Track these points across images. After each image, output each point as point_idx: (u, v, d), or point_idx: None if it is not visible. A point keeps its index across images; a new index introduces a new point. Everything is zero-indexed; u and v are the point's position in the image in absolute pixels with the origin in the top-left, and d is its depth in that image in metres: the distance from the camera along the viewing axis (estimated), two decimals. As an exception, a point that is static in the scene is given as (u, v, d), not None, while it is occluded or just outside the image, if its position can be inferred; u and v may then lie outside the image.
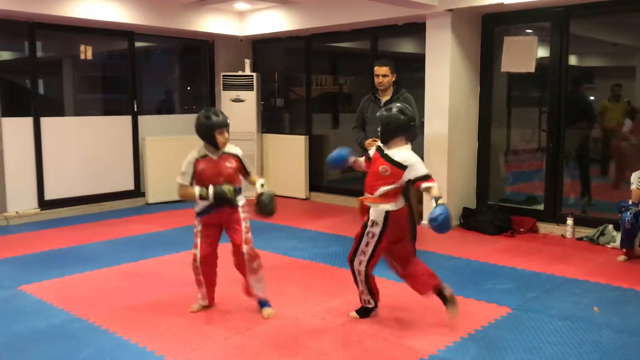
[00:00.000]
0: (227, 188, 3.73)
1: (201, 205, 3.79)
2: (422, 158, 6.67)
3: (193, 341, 3.47)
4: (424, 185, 3.50)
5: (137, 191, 7.93)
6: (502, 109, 6.99)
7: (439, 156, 6.38)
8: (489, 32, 6.54)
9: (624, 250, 5.15)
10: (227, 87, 8.34)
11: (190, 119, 8.50)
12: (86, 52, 7.89)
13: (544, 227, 6.17)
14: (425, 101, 6.44)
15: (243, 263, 3.82)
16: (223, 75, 8.37)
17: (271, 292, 4.29)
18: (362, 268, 3.64)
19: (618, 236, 5.32)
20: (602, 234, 5.66)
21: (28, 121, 6.91)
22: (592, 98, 6.69)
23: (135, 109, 7.88)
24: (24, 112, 6.91)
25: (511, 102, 7.11)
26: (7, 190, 6.75)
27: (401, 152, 3.57)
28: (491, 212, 6.30)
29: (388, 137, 3.60)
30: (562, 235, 5.98)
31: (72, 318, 3.83)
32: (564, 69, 6.02)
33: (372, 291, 3.74)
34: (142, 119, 7.95)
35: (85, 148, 7.39)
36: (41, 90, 7.37)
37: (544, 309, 3.96)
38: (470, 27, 6.45)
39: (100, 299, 4.22)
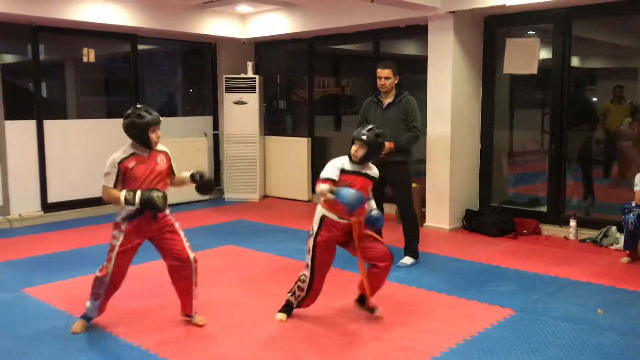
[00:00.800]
0: (156, 194, 3.43)
1: (126, 210, 3.49)
2: (424, 160, 6.74)
3: (196, 343, 3.47)
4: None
5: (140, 194, 7.93)
6: (504, 110, 6.99)
7: (441, 158, 6.38)
8: (491, 34, 6.54)
9: (628, 251, 5.14)
10: (230, 89, 8.35)
11: (194, 121, 8.63)
12: (89, 55, 7.92)
13: (547, 229, 6.17)
14: (427, 103, 6.44)
15: (191, 275, 3.64)
16: (225, 78, 8.38)
17: (274, 295, 4.29)
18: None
19: (621, 238, 5.31)
20: (605, 235, 5.65)
21: (31, 124, 6.93)
22: (594, 99, 6.68)
23: (138, 112, 7.87)
24: (27, 115, 6.92)
25: (513, 103, 7.10)
26: (11, 193, 6.77)
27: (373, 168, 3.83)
28: (494, 214, 6.30)
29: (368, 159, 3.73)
30: (565, 237, 5.97)
31: (75, 320, 3.83)
32: (566, 71, 6.01)
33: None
34: (144, 121, 7.95)
35: (88, 151, 7.40)
36: (44, 93, 7.39)
37: (547, 311, 3.96)
38: (472, 29, 6.45)
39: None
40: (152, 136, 3.55)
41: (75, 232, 6.49)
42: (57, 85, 7.91)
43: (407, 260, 5.09)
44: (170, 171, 3.71)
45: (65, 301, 4.20)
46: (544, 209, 6.33)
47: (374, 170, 3.76)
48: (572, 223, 5.89)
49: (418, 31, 6.79)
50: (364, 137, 3.62)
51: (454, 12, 6.08)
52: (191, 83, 9.38)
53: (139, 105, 3.65)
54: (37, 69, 7.01)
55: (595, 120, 6.52)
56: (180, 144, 8.03)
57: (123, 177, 3.50)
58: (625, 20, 6.25)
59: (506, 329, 3.65)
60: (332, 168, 3.65)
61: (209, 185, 3.77)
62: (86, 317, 3.67)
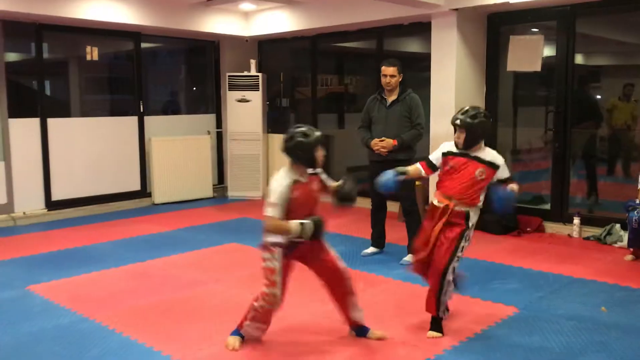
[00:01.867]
0: (321, 223, 3.22)
1: (283, 238, 3.21)
2: (427, 157, 6.72)
3: (200, 341, 3.48)
4: (511, 186, 3.47)
5: (144, 191, 7.95)
6: (508, 108, 6.97)
7: (445, 156, 6.36)
8: (495, 31, 6.52)
9: (632, 249, 5.13)
10: (233, 87, 8.35)
11: (197, 119, 8.64)
12: (92, 53, 7.93)
13: (551, 227, 6.15)
14: (431, 100, 6.43)
15: (347, 288, 3.40)
16: (229, 76, 8.38)
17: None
18: (452, 277, 3.50)
19: (625, 235, 5.30)
20: (609, 233, 5.64)
21: (35, 122, 6.94)
22: (598, 97, 6.66)
23: (142, 110, 7.90)
24: (31, 113, 6.94)
25: (517, 101, 7.08)
26: (15, 191, 6.79)
27: (487, 153, 3.51)
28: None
29: (474, 142, 3.46)
30: (569, 234, 5.96)
31: (80, 318, 3.84)
32: (570, 68, 5.99)
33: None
34: (148, 119, 7.97)
35: (91, 149, 7.42)
36: (48, 92, 7.41)
37: (551, 309, 3.95)
38: (475, 27, 6.44)
39: (107, 299, 4.23)
40: (319, 155, 3.26)
41: (79, 229, 6.51)
42: (61, 83, 7.93)
43: (410, 258, 5.05)
44: (324, 189, 3.41)
45: (69, 299, 4.21)
46: (547, 206, 6.31)
47: (489, 154, 3.50)
48: (576, 221, 5.88)
49: (421, 29, 6.77)
50: (458, 122, 3.45)
51: (457, 9, 6.07)
52: (194, 81, 9.38)
53: (299, 125, 3.33)
54: (40, 67, 7.02)
55: (599, 117, 6.50)
56: (184, 142, 8.06)
57: (288, 205, 3.17)
58: (629, 17, 6.22)
59: (510, 327, 3.65)
60: (436, 151, 3.64)
61: (350, 198, 3.36)
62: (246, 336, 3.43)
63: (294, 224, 3.13)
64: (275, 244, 3.21)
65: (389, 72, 5.00)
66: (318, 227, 3.18)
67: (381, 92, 5.16)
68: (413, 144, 5.09)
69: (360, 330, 3.49)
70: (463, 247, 3.49)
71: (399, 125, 4.98)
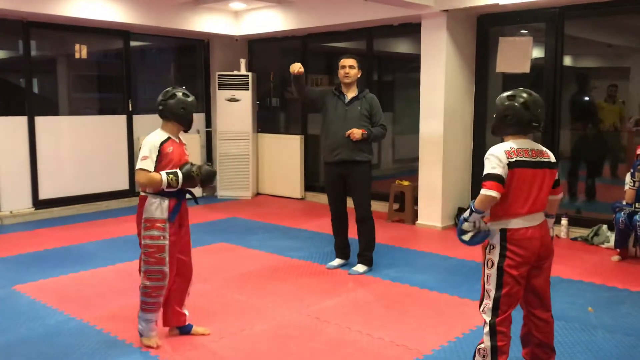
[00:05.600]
0: (191, 168, 3.27)
1: (165, 205, 3.26)
2: (417, 158, 6.74)
3: (188, 341, 3.46)
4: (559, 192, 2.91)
5: (132, 190, 7.91)
6: (497, 109, 6.98)
7: (433, 156, 6.39)
8: (484, 32, 6.56)
9: (618, 250, 5.17)
10: (223, 86, 8.33)
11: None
12: (81, 51, 7.87)
13: (539, 227, 6.18)
14: (420, 101, 6.45)
15: (190, 278, 3.48)
16: (218, 75, 8.36)
17: (266, 293, 4.30)
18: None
19: (612, 236, 5.34)
20: (596, 234, 5.69)
21: (22, 120, 6.88)
22: (586, 98, 6.70)
23: (130, 108, 7.85)
24: (18, 111, 6.88)
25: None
26: (2, 190, 6.72)
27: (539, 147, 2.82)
28: (486, 212, 6.30)
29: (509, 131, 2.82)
30: (557, 235, 5.99)
31: (67, 318, 3.82)
32: (559, 70, 6.04)
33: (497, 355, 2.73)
34: (137, 118, 7.93)
35: (80, 147, 7.37)
36: (36, 90, 7.34)
37: (538, 309, 3.97)
38: (465, 28, 6.46)
39: (95, 299, 4.21)
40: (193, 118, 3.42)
41: (67, 229, 6.46)
42: (49, 81, 7.87)
43: (360, 267, 4.80)
44: None
45: (56, 298, 4.18)
46: (535, 207, 6.34)
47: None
48: (564, 222, 5.92)
49: (411, 29, 6.80)
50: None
51: (447, 10, 6.09)
52: (184, 80, 9.34)
53: (175, 86, 3.45)
54: (28, 65, 6.95)
55: (587, 119, 6.55)
56: (173, 141, 8.00)
57: (160, 161, 3.23)
58: (618, 19, 6.28)
59: (498, 327, 3.65)
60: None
61: (209, 177, 3.44)
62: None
63: (164, 173, 3.18)
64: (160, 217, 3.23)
65: (348, 63, 4.69)
66: (210, 172, 3.29)
67: (338, 87, 4.81)
68: (378, 139, 4.89)
69: (184, 328, 3.50)
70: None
71: (358, 126, 4.64)
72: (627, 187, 5.11)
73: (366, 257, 4.83)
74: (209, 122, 8.82)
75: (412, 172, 7.00)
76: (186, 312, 3.50)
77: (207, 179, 3.36)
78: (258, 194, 8.67)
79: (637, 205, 5.05)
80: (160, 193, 3.23)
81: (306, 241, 5.88)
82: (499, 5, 5.81)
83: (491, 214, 2.75)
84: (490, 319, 2.74)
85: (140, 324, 3.36)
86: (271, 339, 3.51)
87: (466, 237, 2.80)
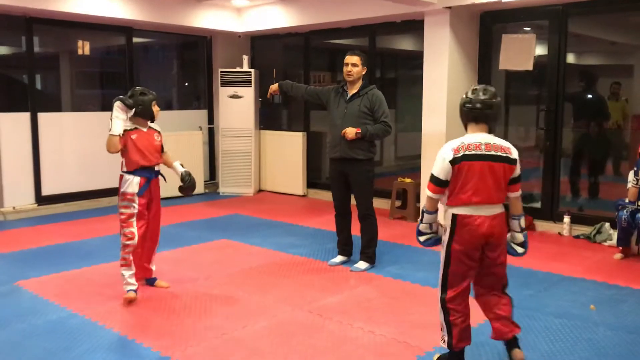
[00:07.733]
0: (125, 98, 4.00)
1: (135, 181, 3.99)
2: (419, 155, 6.73)
3: (190, 337, 3.47)
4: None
5: (135, 187, 7.91)
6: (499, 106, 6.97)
7: (436, 153, 6.35)
8: (487, 29, 6.54)
9: (621, 248, 5.16)
10: (225, 83, 8.33)
11: (189, 115, 8.61)
12: (84, 48, 7.88)
13: (541, 225, 6.18)
14: (423, 98, 6.44)
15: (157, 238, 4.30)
16: (221, 72, 8.35)
17: (268, 289, 4.31)
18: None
19: (615, 234, 5.33)
20: (598, 232, 5.68)
21: (25, 117, 6.89)
22: (590, 96, 6.68)
23: (133, 105, 7.85)
24: (21, 107, 6.89)
25: (509, 100, 7.10)
26: (4, 186, 6.74)
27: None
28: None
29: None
30: (559, 233, 5.99)
31: (69, 314, 3.83)
32: (562, 67, 6.03)
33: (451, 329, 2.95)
34: (139, 114, 7.92)
35: (82, 144, 7.37)
36: (38, 86, 7.36)
37: (540, 307, 3.97)
38: (468, 25, 6.45)
39: (97, 295, 4.21)
40: (155, 109, 4.09)
41: (69, 225, 6.47)
42: (52, 77, 7.87)
43: (362, 264, 4.80)
44: (161, 148, 4.23)
45: (59, 294, 4.19)
46: (538, 205, 6.34)
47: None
48: (566, 219, 5.91)
49: (414, 26, 6.78)
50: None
51: (450, 7, 6.08)
52: (186, 76, 9.35)
53: (137, 88, 4.12)
54: (31, 61, 6.96)
55: (590, 116, 6.53)
56: (176, 137, 8.01)
57: (125, 146, 3.99)
58: (621, 17, 6.25)
59: (499, 324, 3.65)
60: None
61: (192, 188, 4.30)
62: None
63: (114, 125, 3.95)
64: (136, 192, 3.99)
65: (352, 61, 4.63)
66: (122, 101, 3.92)
67: (344, 85, 4.79)
68: (378, 137, 4.72)
69: (150, 280, 4.35)
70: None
71: (357, 123, 4.58)
72: (630, 185, 5.10)
73: (368, 255, 4.83)
74: (211, 119, 8.82)
75: (414, 170, 7.00)
76: (153, 268, 4.34)
77: (189, 184, 4.26)
78: (260, 190, 8.68)
79: (639, 203, 5.04)
80: (132, 172, 4.01)
81: (308, 238, 5.88)
82: (502, 3, 5.79)
83: (447, 201, 3.00)
84: (440, 294, 3.00)
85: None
86: (273, 335, 3.51)
87: (422, 238, 3.11)
